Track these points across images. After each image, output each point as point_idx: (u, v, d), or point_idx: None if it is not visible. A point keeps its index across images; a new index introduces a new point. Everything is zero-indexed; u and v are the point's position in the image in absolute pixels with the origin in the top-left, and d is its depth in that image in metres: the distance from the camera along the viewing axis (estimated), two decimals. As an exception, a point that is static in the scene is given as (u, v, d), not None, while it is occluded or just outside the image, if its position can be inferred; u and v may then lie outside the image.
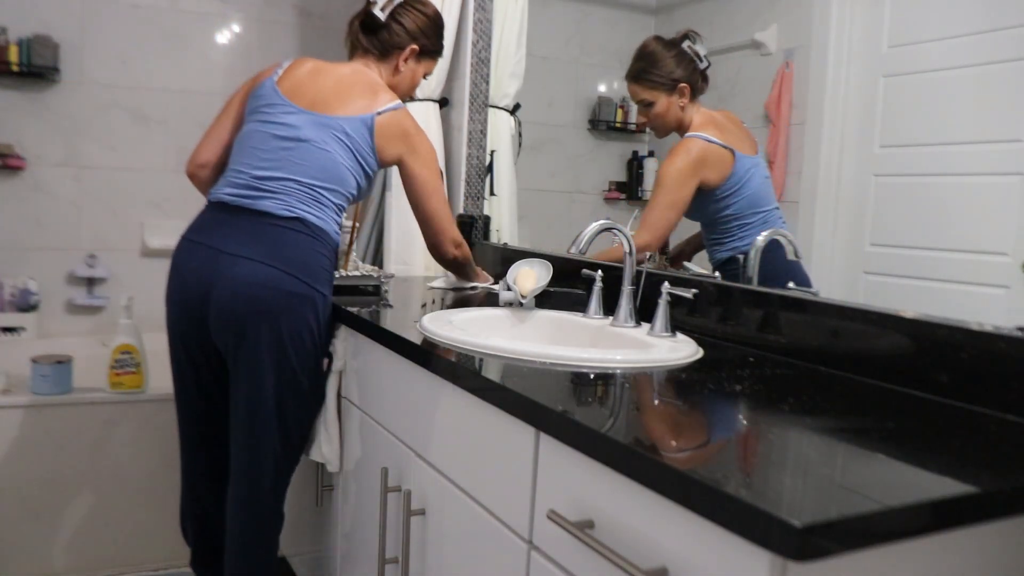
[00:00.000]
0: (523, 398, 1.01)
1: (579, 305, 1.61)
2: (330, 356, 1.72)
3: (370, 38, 1.84)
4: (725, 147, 1.60)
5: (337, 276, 1.86)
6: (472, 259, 2.02)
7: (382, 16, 1.81)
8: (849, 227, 1.41)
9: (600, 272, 1.57)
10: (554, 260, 1.79)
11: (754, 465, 0.84)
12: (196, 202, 3.09)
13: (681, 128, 1.65)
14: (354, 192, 1.73)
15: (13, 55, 2.72)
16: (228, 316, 1.58)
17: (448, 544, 1.25)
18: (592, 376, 1.16)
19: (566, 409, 0.95)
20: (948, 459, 0.87)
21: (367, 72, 1.81)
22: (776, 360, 1.32)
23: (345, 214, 1.78)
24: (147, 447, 2.31)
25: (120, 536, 2.29)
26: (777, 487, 0.76)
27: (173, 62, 3.05)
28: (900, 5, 1.34)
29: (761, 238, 1.53)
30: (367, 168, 1.73)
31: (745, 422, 1.01)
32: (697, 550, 0.75)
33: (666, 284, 1.42)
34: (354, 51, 1.87)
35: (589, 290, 1.56)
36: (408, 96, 1.94)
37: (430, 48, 1.90)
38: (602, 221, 1.44)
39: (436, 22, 1.90)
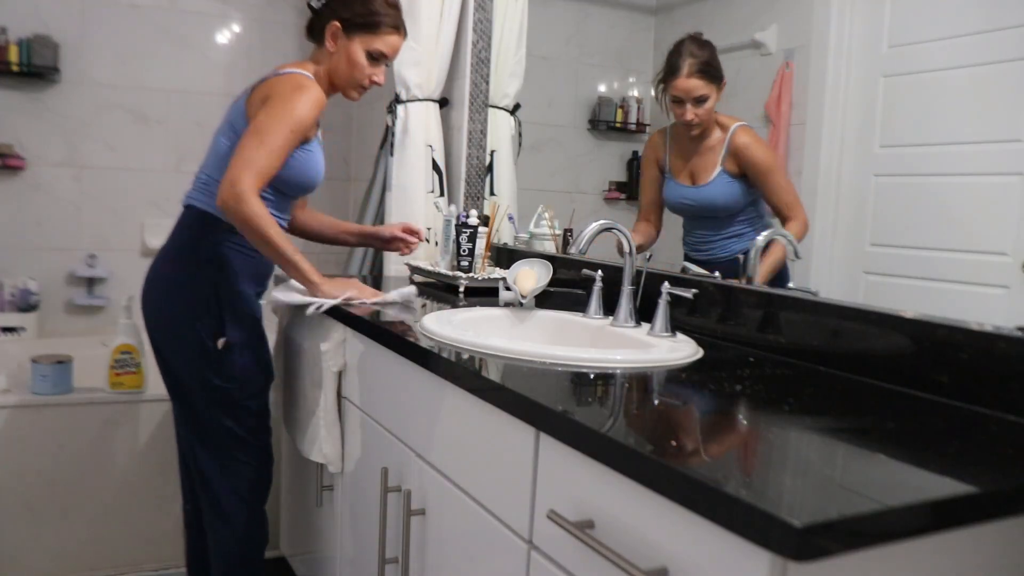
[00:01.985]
0: (523, 398, 1.01)
1: (579, 305, 1.61)
2: (224, 335, 1.69)
3: (311, 32, 1.79)
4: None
5: (466, 277, 1.89)
6: (270, 228, 1.56)
7: (316, 4, 1.75)
8: (849, 227, 1.41)
9: (600, 272, 1.57)
10: (554, 260, 1.79)
11: (754, 465, 0.84)
12: (196, 202, 3.09)
13: (714, 125, 1.67)
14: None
15: (13, 55, 2.73)
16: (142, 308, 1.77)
17: (448, 544, 1.25)
18: (592, 376, 1.16)
19: (566, 409, 0.95)
20: (948, 459, 0.87)
21: (305, 60, 1.78)
22: (776, 360, 1.32)
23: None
24: (147, 447, 2.31)
25: (120, 536, 2.29)
26: (777, 487, 0.76)
27: (173, 62, 3.05)
28: (900, 5, 1.34)
29: (761, 238, 1.53)
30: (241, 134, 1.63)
31: (745, 422, 1.01)
32: (697, 550, 0.75)
33: (666, 284, 1.42)
34: None
35: (589, 290, 1.56)
36: (357, 84, 1.76)
37: (357, 20, 1.71)
38: (602, 221, 1.44)
39: None
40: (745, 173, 1.60)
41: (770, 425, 0.98)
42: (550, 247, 2.14)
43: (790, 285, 1.39)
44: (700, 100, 1.65)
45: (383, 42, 1.74)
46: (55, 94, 2.88)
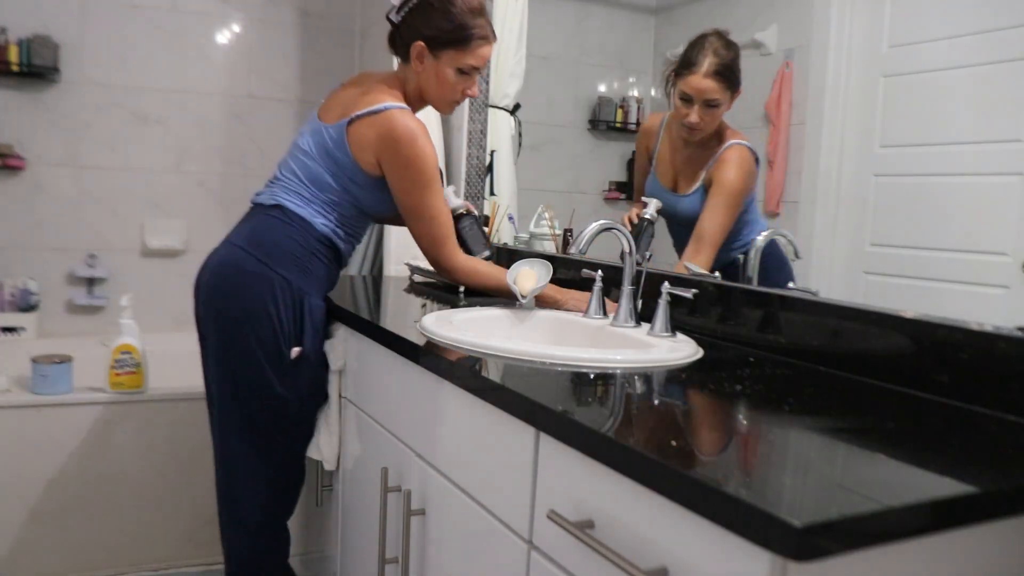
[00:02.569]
0: (523, 398, 1.01)
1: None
2: (301, 345, 1.65)
3: (394, 46, 1.71)
4: (754, 153, 1.55)
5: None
6: (488, 275, 1.73)
7: (395, 19, 1.67)
8: (849, 227, 1.41)
9: (600, 272, 1.57)
10: (554, 260, 1.79)
11: (754, 465, 0.84)
12: (196, 202, 3.10)
13: (716, 133, 1.56)
14: (339, 195, 1.66)
15: (13, 55, 2.73)
16: (200, 296, 1.68)
17: (448, 544, 1.25)
18: (592, 376, 1.16)
19: (566, 409, 0.95)
20: (948, 459, 0.87)
21: (377, 76, 1.71)
22: (776, 360, 1.32)
23: (359, 222, 1.73)
24: (147, 447, 2.31)
25: (120, 536, 2.29)
26: (777, 487, 0.76)
27: (173, 62, 3.05)
28: (900, 5, 1.34)
29: (761, 238, 1.53)
30: (349, 174, 1.64)
31: (745, 422, 1.01)
32: (697, 550, 0.75)
33: (666, 284, 1.42)
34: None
35: (589, 290, 1.56)
36: (450, 101, 1.70)
37: (442, 37, 1.61)
38: (602, 221, 1.44)
39: (439, 5, 1.61)
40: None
41: (770, 425, 0.98)
42: (550, 247, 2.14)
43: (790, 285, 1.39)
44: (711, 104, 1.53)
45: (474, 56, 1.64)
46: (55, 94, 2.88)
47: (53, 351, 2.36)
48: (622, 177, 2.08)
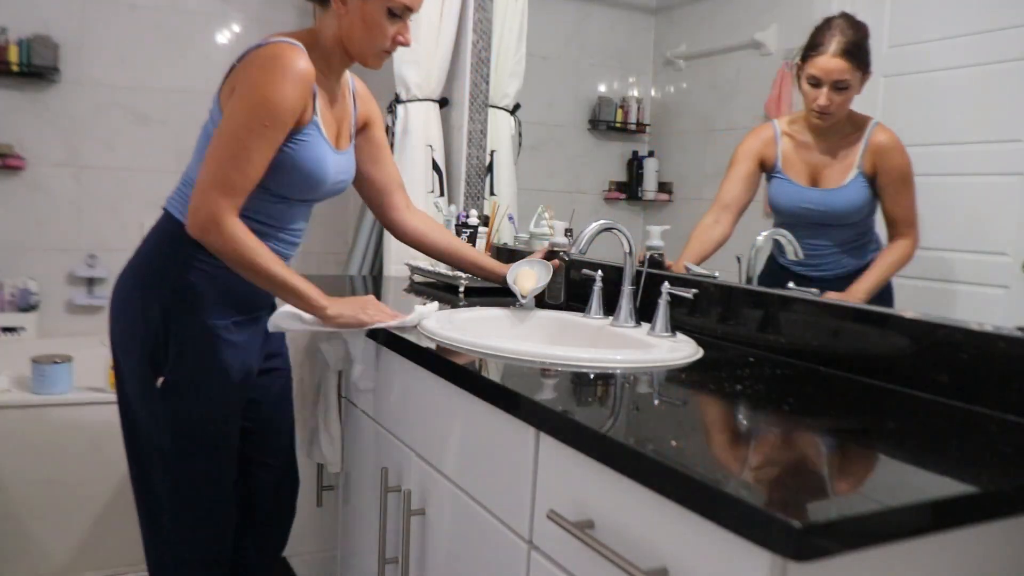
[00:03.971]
0: (523, 398, 1.01)
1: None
2: (163, 374, 1.40)
3: None
4: None
5: (465, 277, 1.78)
6: (255, 254, 1.34)
7: None
8: (849, 227, 1.41)
9: (600, 272, 1.57)
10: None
11: (754, 465, 0.84)
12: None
13: (849, 119, 1.45)
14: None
15: (13, 55, 2.72)
16: None
17: (448, 544, 1.25)
18: (592, 376, 1.16)
19: (566, 409, 0.95)
20: (948, 459, 0.87)
21: (306, 29, 1.44)
22: (776, 360, 1.32)
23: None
24: (147, 447, 2.31)
25: (120, 536, 2.29)
26: (777, 487, 0.76)
27: (173, 62, 3.05)
28: (900, 5, 1.34)
29: (761, 238, 1.52)
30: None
31: (745, 422, 1.01)
32: (697, 550, 0.75)
33: (666, 284, 1.42)
34: None
35: (589, 290, 1.56)
36: (378, 50, 1.42)
37: None
38: (602, 221, 1.44)
39: None
40: (876, 178, 1.40)
41: (770, 425, 0.98)
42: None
43: (790, 285, 1.39)
44: (840, 87, 1.42)
45: None
46: (55, 94, 2.88)
47: (53, 351, 2.36)
48: (622, 177, 2.08)
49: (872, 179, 1.40)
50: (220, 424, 1.46)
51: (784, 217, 1.53)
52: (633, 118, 2.10)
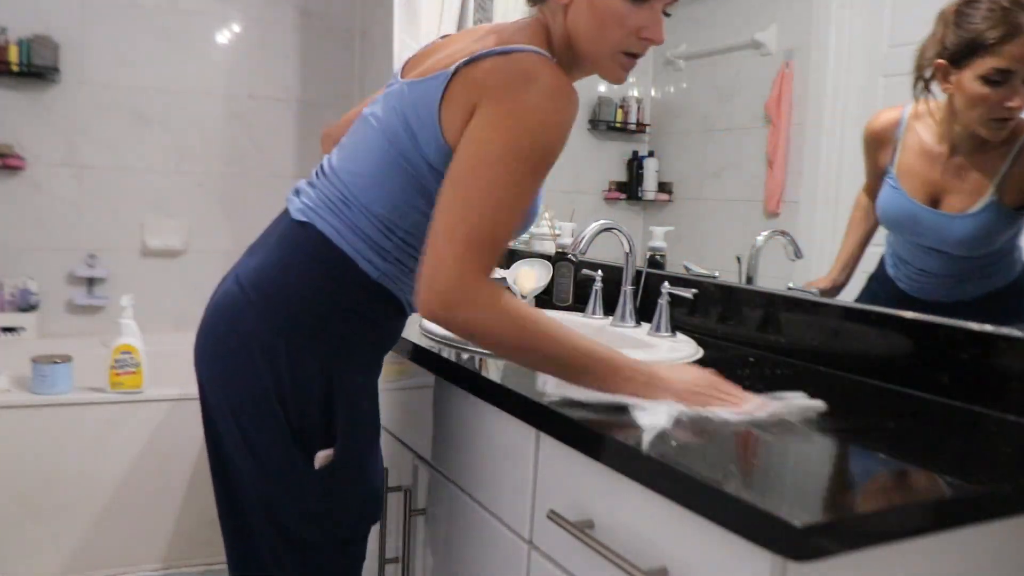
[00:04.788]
0: (523, 398, 1.01)
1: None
2: (330, 446, 1.10)
3: None
4: None
5: None
6: (546, 331, 0.97)
7: None
8: (849, 227, 1.40)
9: (600, 272, 1.57)
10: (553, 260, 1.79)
11: (754, 465, 0.84)
12: (196, 202, 3.10)
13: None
14: (407, 200, 1.04)
15: (13, 55, 2.72)
16: (196, 350, 1.14)
17: (448, 544, 1.25)
18: (592, 376, 1.16)
19: (566, 409, 0.95)
20: (948, 459, 0.87)
21: (502, 25, 1.10)
22: (776, 360, 1.32)
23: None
24: (147, 447, 2.31)
25: (120, 536, 2.29)
26: (777, 487, 0.76)
27: (173, 62, 3.04)
28: (900, 5, 1.34)
29: (761, 238, 1.53)
30: (422, 148, 1.01)
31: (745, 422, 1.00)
32: (697, 550, 0.75)
33: (666, 284, 1.42)
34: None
35: (589, 290, 1.56)
36: (616, 52, 1.03)
37: None
38: (602, 221, 1.44)
39: None
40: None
41: (770, 425, 0.98)
42: (550, 247, 2.14)
43: (790, 285, 1.39)
44: None
45: None
46: (55, 94, 2.88)
47: (53, 351, 2.36)
48: (622, 177, 2.08)
49: (1018, 209, 1.12)
50: (378, 506, 1.22)
51: (888, 226, 1.28)
52: (633, 118, 2.10)
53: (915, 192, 1.23)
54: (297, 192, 1.13)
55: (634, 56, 1.05)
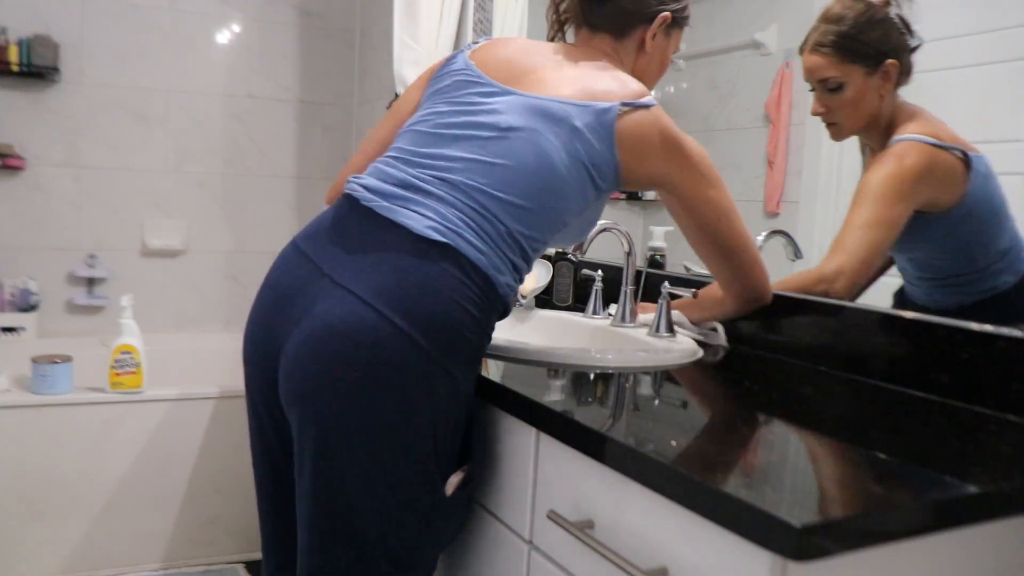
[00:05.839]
0: (523, 398, 1.01)
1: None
2: (465, 469, 1.09)
3: (601, 7, 1.24)
4: (955, 150, 1.16)
5: None
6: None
7: None
8: (849, 227, 1.40)
9: (600, 272, 1.57)
10: (553, 260, 1.79)
11: (754, 465, 0.84)
12: (196, 202, 3.10)
13: (877, 126, 1.22)
14: (566, 221, 1.12)
15: (13, 55, 2.72)
16: (293, 371, 1.01)
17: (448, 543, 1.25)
18: (592, 376, 1.16)
19: (566, 409, 0.95)
20: (948, 459, 0.87)
21: (584, 50, 1.24)
22: (776, 360, 1.32)
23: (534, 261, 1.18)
24: (147, 447, 2.31)
25: (120, 536, 2.29)
26: (777, 487, 0.76)
27: (173, 62, 3.05)
28: (900, 5, 1.33)
29: (761, 238, 1.53)
30: (599, 184, 1.12)
31: (745, 422, 1.01)
32: (697, 550, 0.75)
33: (666, 284, 1.42)
34: (577, 32, 1.29)
35: (589, 290, 1.56)
36: (653, 87, 1.34)
37: (683, 14, 1.32)
38: (602, 221, 1.44)
39: None
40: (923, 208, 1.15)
41: (770, 425, 0.98)
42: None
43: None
44: (831, 88, 1.22)
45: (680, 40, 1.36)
46: (55, 94, 2.88)
47: (53, 351, 2.36)
48: (622, 177, 2.08)
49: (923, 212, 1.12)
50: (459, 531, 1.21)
51: None
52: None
53: None
54: (386, 197, 1.06)
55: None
